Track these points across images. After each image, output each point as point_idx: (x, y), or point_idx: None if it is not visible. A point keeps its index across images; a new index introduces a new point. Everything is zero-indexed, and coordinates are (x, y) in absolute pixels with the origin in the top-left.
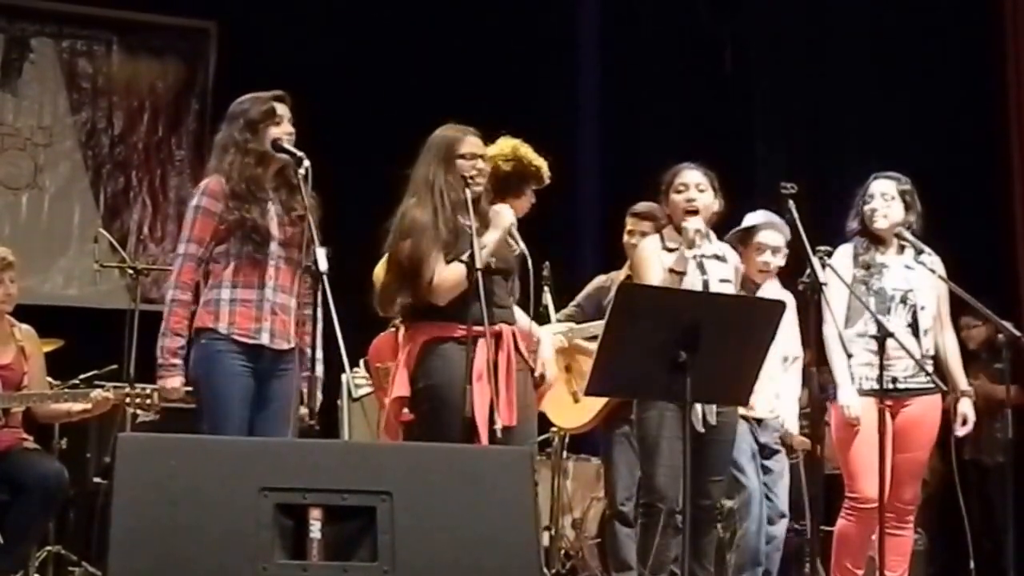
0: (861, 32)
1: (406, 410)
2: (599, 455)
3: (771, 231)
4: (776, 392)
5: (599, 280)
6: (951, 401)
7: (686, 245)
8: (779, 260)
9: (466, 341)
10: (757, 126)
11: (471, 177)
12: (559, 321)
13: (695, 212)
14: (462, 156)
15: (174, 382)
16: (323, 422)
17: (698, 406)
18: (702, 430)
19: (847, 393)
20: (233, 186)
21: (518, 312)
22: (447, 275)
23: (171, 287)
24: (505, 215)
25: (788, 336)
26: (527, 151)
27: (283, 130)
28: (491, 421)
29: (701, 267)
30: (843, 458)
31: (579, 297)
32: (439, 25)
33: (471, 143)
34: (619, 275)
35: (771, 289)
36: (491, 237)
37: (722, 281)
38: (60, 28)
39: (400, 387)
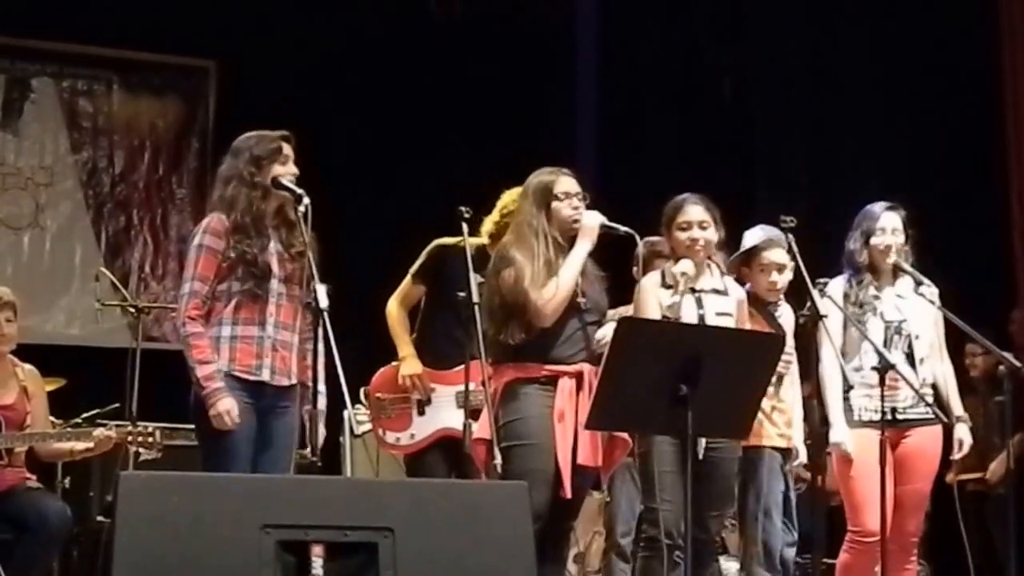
0: (862, 58)
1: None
2: (599, 489)
3: (774, 249)
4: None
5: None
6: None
7: (677, 287)
8: (787, 277)
9: (548, 381)
10: (757, 152)
11: (569, 217)
12: None
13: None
14: (557, 197)
15: (225, 404)
16: (325, 458)
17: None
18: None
19: (839, 432)
20: (236, 219)
21: None
22: (547, 292)
23: (181, 324)
24: (591, 221)
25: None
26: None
27: (287, 169)
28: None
29: (699, 301)
30: (844, 491)
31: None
32: (437, 59)
33: (565, 183)
34: (627, 311)
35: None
36: (581, 249)
37: (719, 315)
38: (60, 68)
39: (482, 429)
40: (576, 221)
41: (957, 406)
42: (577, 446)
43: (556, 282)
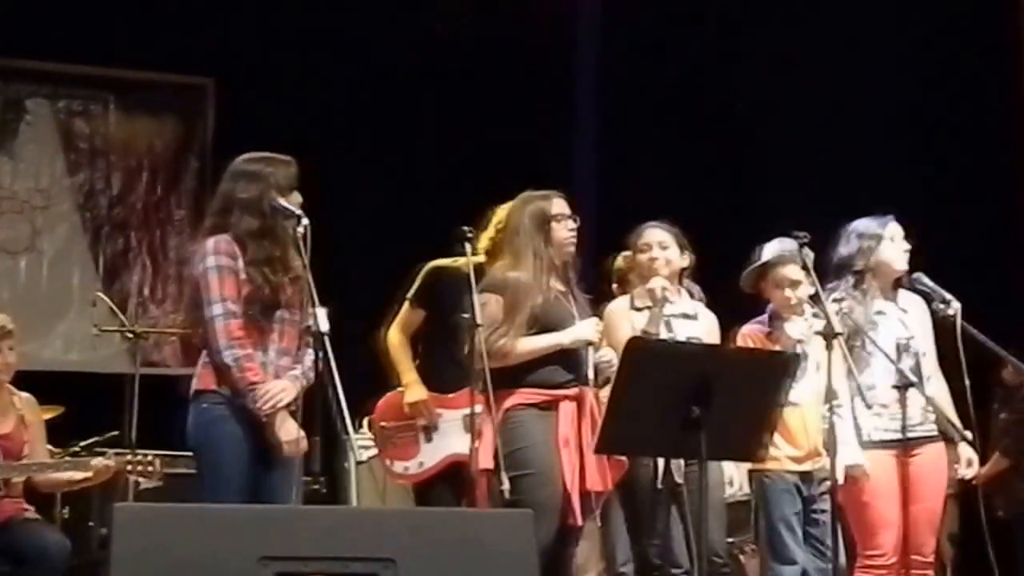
0: (872, 72)
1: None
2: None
3: (788, 265)
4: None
5: None
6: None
7: (654, 304)
8: (803, 291)
9: (547, 407)
10: (769, 168)
11: (565, 239)
12: None
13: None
14: (555, 219)
15: (291, 392)
16: (329, 485)
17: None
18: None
19: (854, 452)
20: (265, 250)
21: None
22: (523, 348)
23: (224, 348)
24: (584, 333)
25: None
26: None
27: (295, 199)
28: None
29: (668, 325)
30: (856, 514)
31: None
32: (437, 81)
33: (559, 205)
34: None
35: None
36: (557, 339)
37: (689, 339)
38: (56, 88)
39: (485, 459)
40: (569, 242)
41: (957, 423)
42: (584, 471)
43: (522, 343)
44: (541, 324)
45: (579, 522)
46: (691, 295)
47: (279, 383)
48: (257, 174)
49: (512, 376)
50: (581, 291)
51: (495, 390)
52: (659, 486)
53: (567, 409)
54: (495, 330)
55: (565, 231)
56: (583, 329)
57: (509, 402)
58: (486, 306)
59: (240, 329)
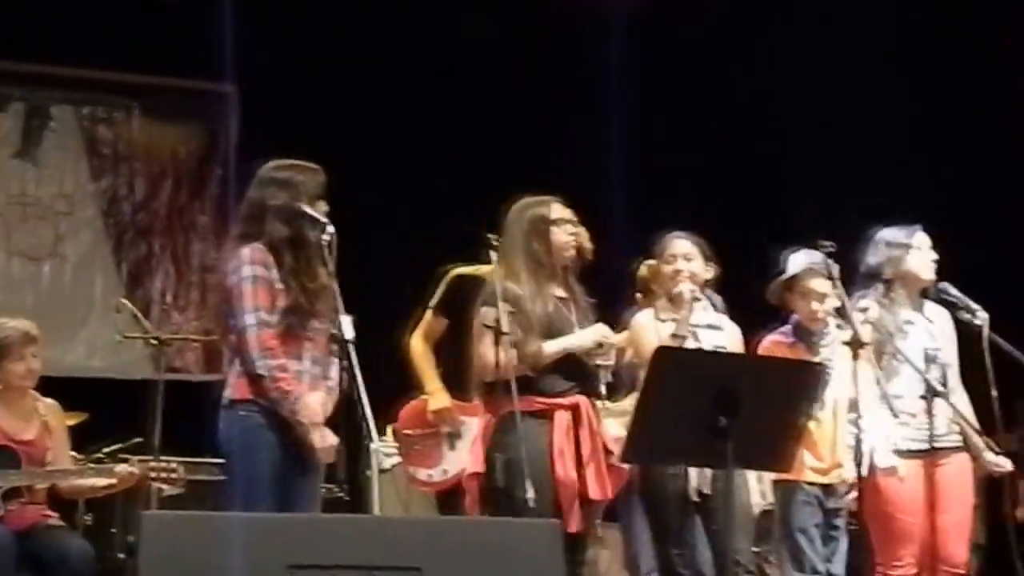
0: (902, 85)
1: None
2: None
3: (815, 278)
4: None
5: None
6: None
7: (682, 307)
8: (829, 304)
9: (543, 415)
10: (795, 180)
11: (566, 243)
12: None
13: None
14: (555, 223)
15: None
16: (352, 492)
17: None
18: (696, 499)
19: (886, 455)
20: (298, 258)
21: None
22: (550, 350)
23: (257, 358)
24: (595, 335)
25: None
26: (577, 229)
27: (321, 207)
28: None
29: (694, 336)
30: (879, 523)
31: None
32: (464, 90)
33: (558, 210)
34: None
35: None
36: (575, 341)
37: (716, 348)
38: (80, 95)
39: (476, 463)
40: (569, 246)
41: (980, 440)
42: (585, 480)
43: (547, 347)
44: (541, 332)
45: (572, 529)
46: (714, 307)
47: (316, 397)
48: (287, 181)
49: (508, 382)
50: (583, 296)
51: (489, 395)
52: (691, 497)
53: (562, 419)
54: (523, 338)
55: (565, 235)
56: (593, 333)
57: (505, 407)
58: (486, 318)
59: (272, 339)
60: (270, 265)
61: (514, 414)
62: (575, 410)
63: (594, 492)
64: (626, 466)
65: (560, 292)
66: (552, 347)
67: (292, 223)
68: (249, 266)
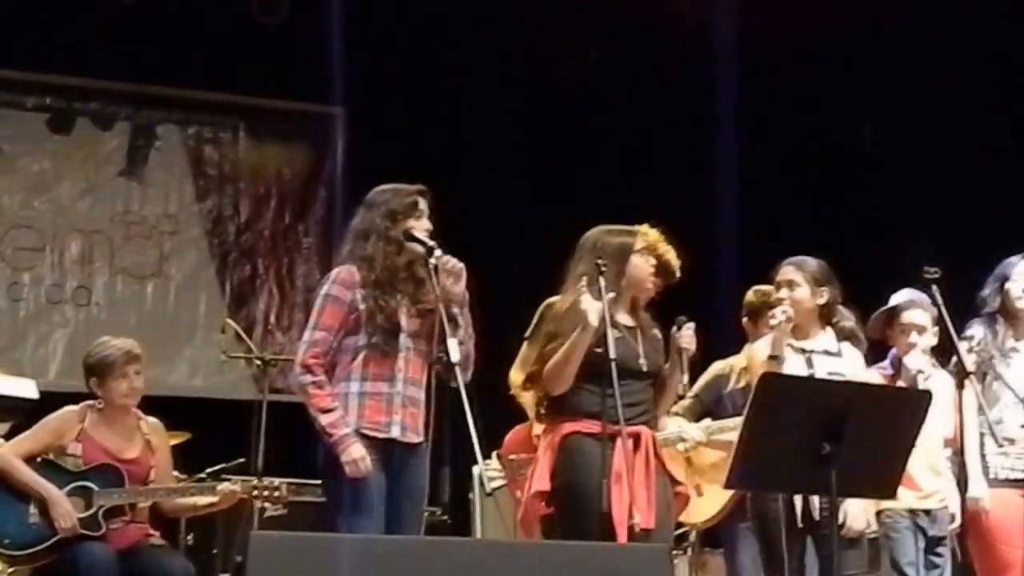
0: (999, 110)
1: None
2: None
3: (915, 310)
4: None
5: (717, 368)
6: None
7: (776, 331)
8: (927, 339)
9: (603, 438)
10: (899, 206)
11: (649, 275)
12: (677, 415)
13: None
14: (638, 253)
15: (358, 450)
16: (455, 516)
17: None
18: (802, 525)
19: (977, 487)
20: (375, 275)
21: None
22: (552, 361)
23: (298, 374)
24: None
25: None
26: (665, 249)
27: (421, 224)
28: (629, 517)
29: (808, 361)
30: (980, 554)
31: (696, 387)
32: (570, 108)
33: (643, 239)
34: (738, 362)
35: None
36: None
37: (831, 374)
38: (186, 115)
39: (540, 481)
40: (652, 282)
41: None
42: (633, 506)
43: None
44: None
45: None
46: (838, 334)
47: (359, 450)
48: (373, 202)
49: (573, 405)
50: (651, 325)
51: (554, 417)
52: (799, 524)
53: (621, 444)
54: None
55: (647, 267)
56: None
57: (568, 428)
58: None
59: (315, 357)
60: (354, 286)
61: (573, 435)
62: (635, 439)
63: (643, 520)
64: (692, 493)
65: (628, 321)
66: (561, 350)
67: (389, 247)
68: (330, 284)
